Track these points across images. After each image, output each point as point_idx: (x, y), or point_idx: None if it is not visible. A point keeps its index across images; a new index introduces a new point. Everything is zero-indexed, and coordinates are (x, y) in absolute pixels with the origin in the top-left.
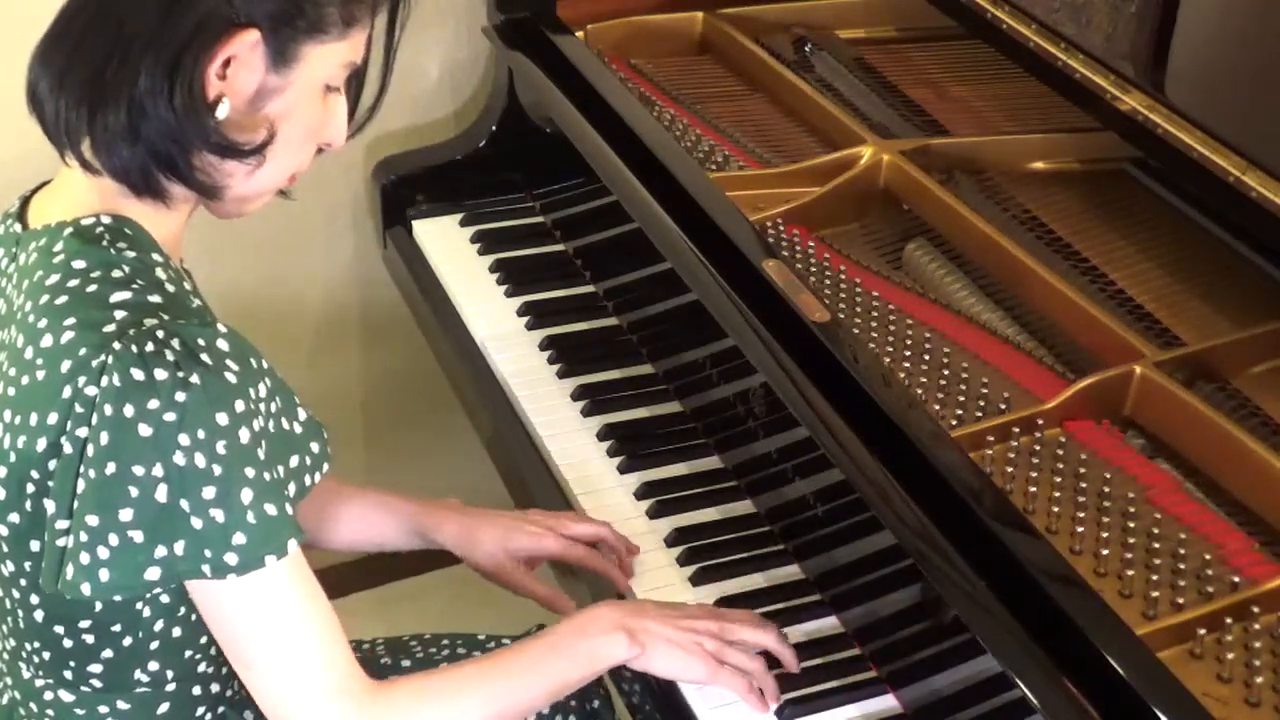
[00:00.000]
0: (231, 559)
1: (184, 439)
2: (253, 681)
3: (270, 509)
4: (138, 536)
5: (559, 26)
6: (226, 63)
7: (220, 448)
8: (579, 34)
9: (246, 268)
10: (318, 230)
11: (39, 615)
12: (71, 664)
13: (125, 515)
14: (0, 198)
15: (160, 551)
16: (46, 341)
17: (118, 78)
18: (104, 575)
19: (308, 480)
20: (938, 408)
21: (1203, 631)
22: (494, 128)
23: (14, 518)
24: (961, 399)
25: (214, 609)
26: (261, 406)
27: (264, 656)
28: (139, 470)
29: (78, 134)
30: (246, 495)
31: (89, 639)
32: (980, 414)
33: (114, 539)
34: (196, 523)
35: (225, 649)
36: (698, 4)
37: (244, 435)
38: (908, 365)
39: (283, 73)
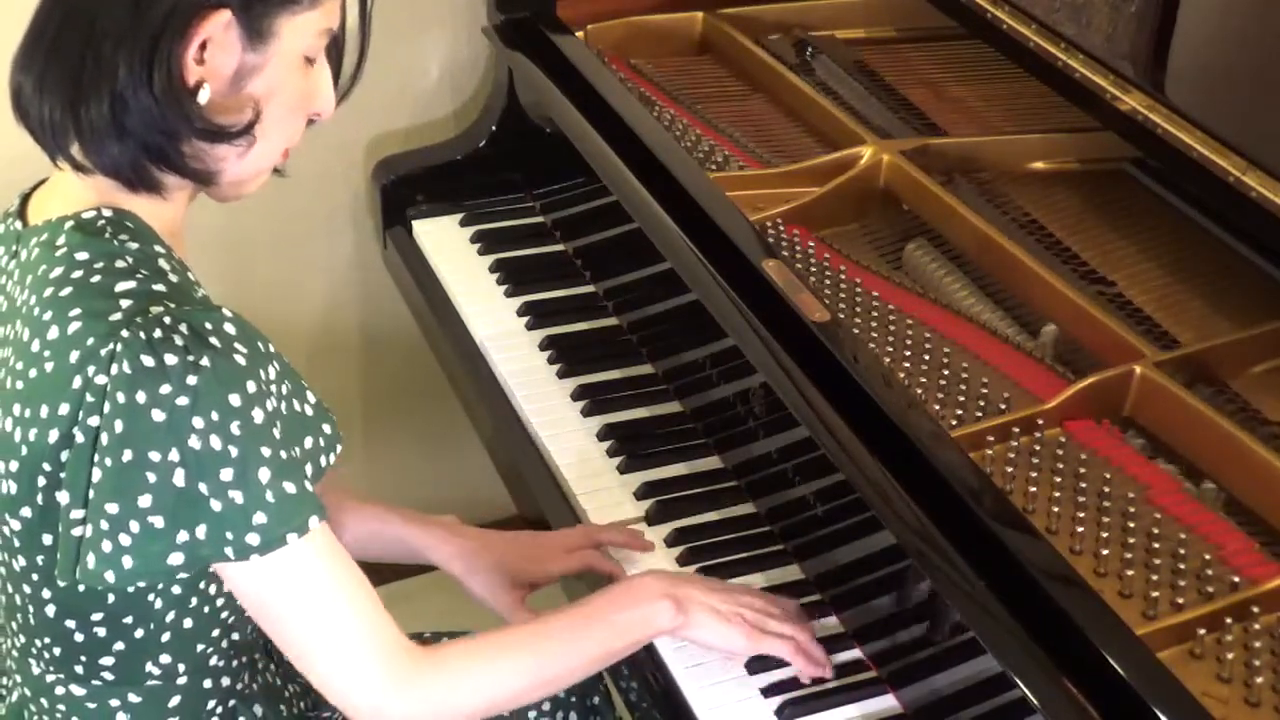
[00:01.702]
0: (253, 539)
1: (198, 422)
2: (297, 658)
3: (289, 487)
4: (158, 522)
5: (559, 26)
6: (203, 46)
7: (235, 428)
8: (579, 34)
9: (247, 267)
10: (318, 230)
11: (50, 610)
12: (83, 658)
13: (144, 501)
14: (1, 198)
15: (182, 536)
16: (53, 333)
17: (95, 74)
18: (127, 562)
19: (324, 461)
20: (938, 408)
21: (1203, 631)
22: (494, 128)
23: (26, 512)
24: (961, 399)
25: (248, 593)
26: (272, 388)
27: (302, 633)
28: (155, 456)
29: (65, 135)
30: (264, 474)
31: (101, 632)
32: (980, 414)
33: (134, 525)
34: (216, 505)
35: (269, 634)
36: (698, 4)
37: (257, 415)
38: (908, 365)
39: (259, 49)
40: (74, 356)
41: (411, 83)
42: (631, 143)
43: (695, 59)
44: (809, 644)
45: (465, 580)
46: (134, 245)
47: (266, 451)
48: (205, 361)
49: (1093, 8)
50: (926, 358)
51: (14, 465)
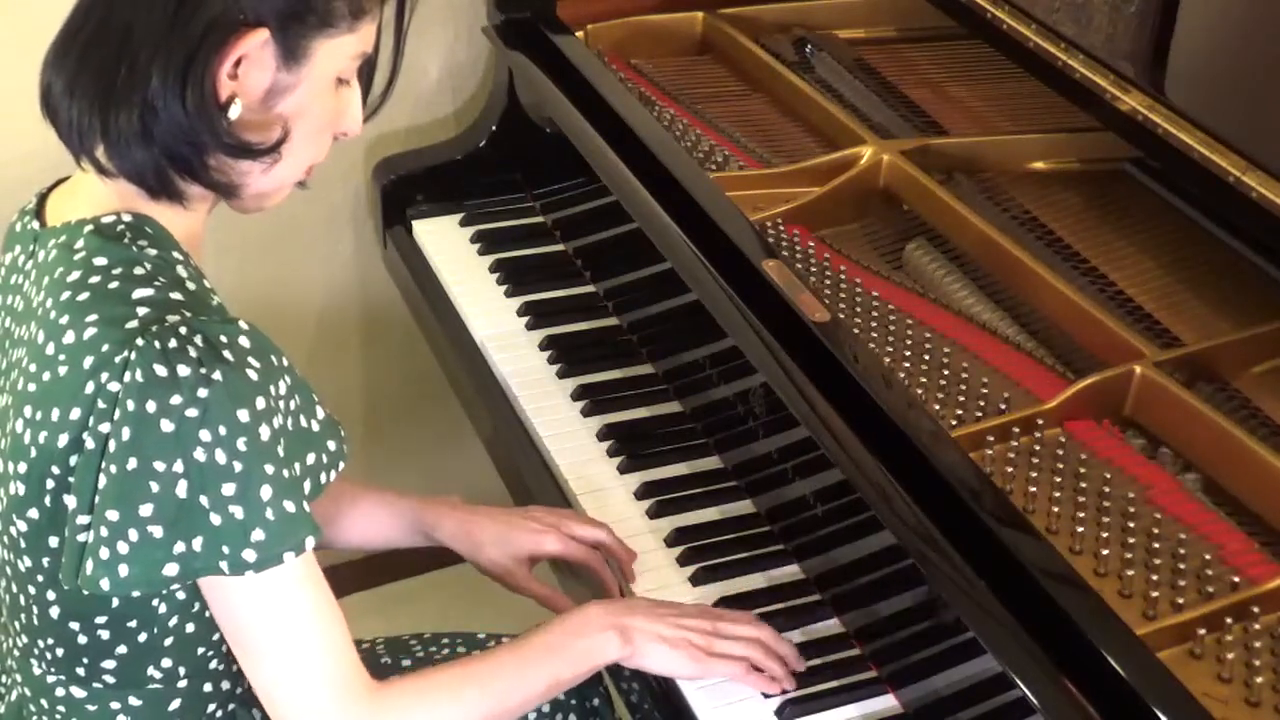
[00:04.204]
0: (250, 556)
1: (205, 435)
2: (256, 677)
3: (289, 506)
4: (157, 532)
5: (559, 26)
6: (237, 63)
7: (241, 444)
8: (579, 34)
9: (247, 268)
10: (318, 230)
11: (54, 611)
12: (85, 660)
13: (145, 511)
14: (8, 194)
15: (179, 548)
16: (68, 338)
17: (128, 82)
18: (123, 571)
19: (323, 478)
20: (938, 408)
21: (1203, 631)
22: (494, 128)
23: (33, 513)
24: (961, 399)
25: (224, 604)
26: (281, 404)
27: (271, 653)
28: (160, 466)
29: (91, 138)
30: (266, 492)
31: (104, 635)
32: (980, 414)
33: (134, 534)
34: (215, 519)
35: (232, 643)
36: (698, 4)
37: (264, 432)
38: (908, 365)
39: (294, 70)
40: (88, 362)
41: (411, 83)
42: (631, 143)
43: (695, 59)
44: (764, 660)
45: (471, 556)
46: (153, 252)
47: (270, 469)
48: (217, 375)
49: (1093, 7)
50: (926, 358)
51: (23, 467)
